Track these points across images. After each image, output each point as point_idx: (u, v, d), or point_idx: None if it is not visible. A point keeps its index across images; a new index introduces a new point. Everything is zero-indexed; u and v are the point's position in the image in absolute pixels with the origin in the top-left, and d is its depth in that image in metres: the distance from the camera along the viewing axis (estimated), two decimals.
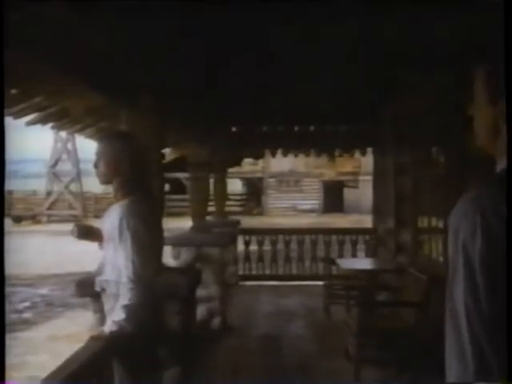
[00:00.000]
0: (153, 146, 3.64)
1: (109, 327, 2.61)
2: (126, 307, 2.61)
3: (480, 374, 1.10)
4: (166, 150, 8.29)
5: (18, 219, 31.26)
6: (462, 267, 1.12)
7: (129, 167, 2.80)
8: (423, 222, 6.40)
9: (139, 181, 2.87)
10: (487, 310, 1.09)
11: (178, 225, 9.55)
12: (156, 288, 2.85)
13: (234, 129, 8.25)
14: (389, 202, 7.16)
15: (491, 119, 1.26)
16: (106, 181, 2.86)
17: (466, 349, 1.12)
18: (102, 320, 2.91)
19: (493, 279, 1.09)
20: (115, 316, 2.63)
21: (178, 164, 9.31)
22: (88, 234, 2.97)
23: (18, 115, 3.43)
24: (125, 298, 2.63)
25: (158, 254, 2.99)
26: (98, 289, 2.85)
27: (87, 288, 3.08)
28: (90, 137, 4.79)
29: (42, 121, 3.92)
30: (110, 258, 2.78)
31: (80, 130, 4.61)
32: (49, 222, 32.41)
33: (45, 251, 17.84)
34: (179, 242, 6.08)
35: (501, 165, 1.24)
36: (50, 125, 4.15)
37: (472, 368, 1.11)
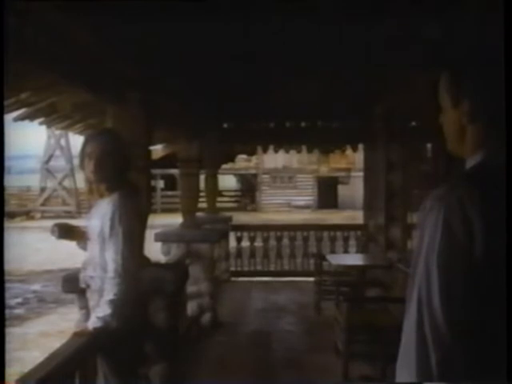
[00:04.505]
0: (140, 142, 3.64)
1: (93, 323, 2.62)
2: (112, 302, 2.62)
3: (422, 375, 1.11)
4: (160, 146, 8.30)
5: (11, 215, 31.16)
6: (423, 261, 1.14)
7: (115, 163, 2.80)
8: (413, 218, 6.43)
9: (125, 176, 2.88)
10: (438, 305, 1.11)
11: (172, 221, 9.56)
12: (142, 283, 2.86)
13: (225, 125, 8.24)
14: (379, 198, 7.18)
15: (456, 122, 1.28)
16: (95, 178, 2.86)
17: (411, 341, 1.14)
18: (87, 316, 2.91)
19: (447, 276, 1.11)
20: (100, 311, 2.63)
21: (173, 160, 9.31)
22: (69, 233, 2.97)
23: (4, 110, 3.43)
24: (110, 292, 2.64)
25: (143, 248, 3.03)
26: (82, 285, 2.86)
27: (74, 283, 3.09)
28: (80, 133, 4.79)
29: (30, 116, 3.91)
30: (95, 254, 2.78)
31: (69, 127, 4.61)
32: (43, 218, 32.29)
33: (38, 247, 17.79)
34: (169, 238, 6.07)
35: (469, 164, 1.26)
36: (38, 121, 4.16)
37: (414, 367, 1.12)
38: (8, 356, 1.85)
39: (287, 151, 10.08)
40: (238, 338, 6.02)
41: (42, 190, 34.44)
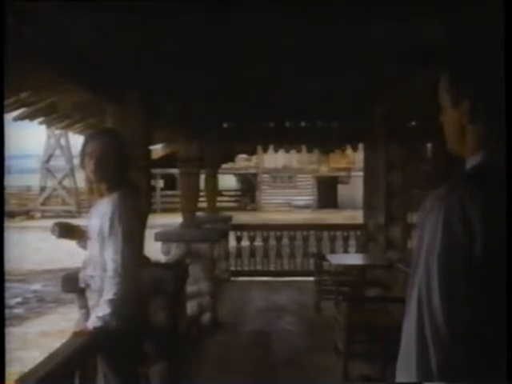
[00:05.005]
0: (140, 142, 3.64)
1: (92, 323, 2.62)
2: (111, 301, 2.62)
3: (422, 375, 1.12)
4: (160, 146, 8.30)
5: (11, 215, 31.14)
6: (423, 261, 1.14)
7: (115, 163, 2.81)
8: (413, 218, 6.44)
9: (125, 176, 2.89)
10: (438, 305, 1.10)
11: (172, 220, 9.56)
12: (142, 283, 2.86)
13: (225, 125, 8.24)
14: (379, 197, 7.19)
15: (456, 122, 1.28)
16: (95, 178, 2.85)
17: (411, 342, 1.14)
18: (87, 316, 2.91)
19: (447, 276, 1.11)
20: (99, 311, 2.63)
21: (172, 160, 9.30)
22: (69, 232, 2.97)
23: (4, 110, 3.42)
24: (110, 292, 2.64)
25: (143, 248, 3.03)
26: (82, 285, 2.86)
27: (74, 283, 3.08)
28: (79, 133, 4.79)
29: (30, 116, 3.91)
30: (95, 254, 2.79)
31: (68, 126, 4.61)
32: (43, 217, 32.29)
33: (38, 247, 17.80)
34: (169, 237, 6.07)
35: (470, 164, 1.26)
36: (38, 120, 4.15)
37: (414, 367, 1.12)
38: (8, 356, 1.85)
39: (287, 151, 10.09)
40: (237, 337, 6.02)
41: (42, 189, 34.44)
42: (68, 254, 7.20)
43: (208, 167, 8.09)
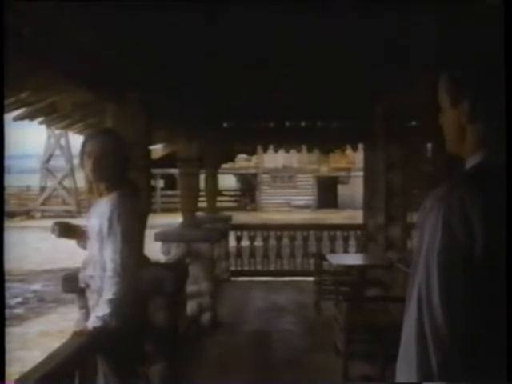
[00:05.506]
0: (140, 142, 3.64)
1: (92, 323, 2.62)
2: (111, 301, 2.62)
3: (422, 375, 1.12)
4: (160, 146, 8.30)
5: (11, 215, 31.13)
6: (423, 261, 1.15)
7: (114, 162, 2.80)
8: (413, 218, 6.44)
9: (125, 176, 2.88)
10: (438, 304, 1.10)
11: (172, 220, 9.56)
12: (142, 282, 2.86)
13: (225, 125, 8.24)
14: (379, 197, 7.19)
15: (456, 122, 1.28)
16: (95, 178, 2.85)
17: (411, 341, 1.14)
18: (87, 316, 2.91)
19: (447, 276, 1.11)
20: (99, 311, 2.63)
21: (172, 159, 9.28)
22: (69, 231, 2.97)
23: (4, 110, 3.42)
24: (109, 292, 2.64)
25: (142, 247, 3.03)
26: (82, 285, 2.86)
27: (74, 283, 3.08)
28: (79, 132, 4.79)
29: (30, 116, 3.90)
30: (94, 254, 2.79)
31: (68, 126, 4.61)
32: (43, 217, 32.28)
33: (38, 247, 17.80)
34: (169, 237, 6.07)
35: (469, 164, 1.26)
36: (38, 120, 4.15)
37: (414, 367, 1.12)
38: (8, 356, 1.86)
39: (287, 151, 10.10)
40: (237, 337, 6.01)
41: (42, 189, 34.44)
42: (68, 253, 7.21)
43: (208, 167, 8.10)
